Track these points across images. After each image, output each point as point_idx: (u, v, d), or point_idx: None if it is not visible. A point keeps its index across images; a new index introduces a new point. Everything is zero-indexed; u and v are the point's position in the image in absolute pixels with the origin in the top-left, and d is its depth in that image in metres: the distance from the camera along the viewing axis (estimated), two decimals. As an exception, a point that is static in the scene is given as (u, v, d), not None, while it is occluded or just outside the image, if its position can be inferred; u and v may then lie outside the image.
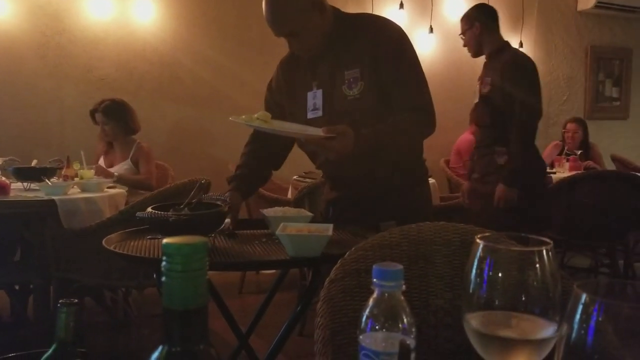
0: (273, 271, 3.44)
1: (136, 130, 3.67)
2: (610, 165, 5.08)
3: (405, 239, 1.18)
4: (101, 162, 3.61)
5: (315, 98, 1.86)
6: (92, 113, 3.63)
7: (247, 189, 2.01)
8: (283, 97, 1.99)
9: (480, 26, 3.13)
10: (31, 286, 2.98)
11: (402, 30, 1.86)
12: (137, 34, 4.41)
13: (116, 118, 3.57)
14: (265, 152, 2.03)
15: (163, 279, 0.48)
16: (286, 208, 1.94)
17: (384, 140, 1.72)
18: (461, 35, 3.24)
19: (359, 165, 1.78)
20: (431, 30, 5.42)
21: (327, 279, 1.10)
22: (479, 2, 3.50)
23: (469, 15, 3.20)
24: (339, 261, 1.14)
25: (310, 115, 1.87)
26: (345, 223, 1.85)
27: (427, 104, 1.81)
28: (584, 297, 0.50)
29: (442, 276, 1.16)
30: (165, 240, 0.48)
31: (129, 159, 3.63)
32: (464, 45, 3.25)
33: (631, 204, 3.75)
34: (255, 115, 1.71)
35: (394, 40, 1.81)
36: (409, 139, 1.83)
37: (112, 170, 3.49)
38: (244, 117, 1.73)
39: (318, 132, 1.65)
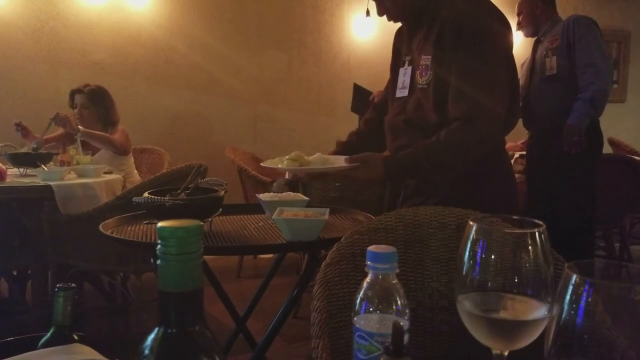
0: (271, 255, 3.45)
1: (114, 123, 3.54)
2: (607, 149, 5.08)
3: (401, 222, 1.19)
4: (79, 148, 3.45)
5: (405, 75, 1.68)
6: (73, 94, 3.50)
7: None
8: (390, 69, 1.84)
9: (541, 4, 3.18)
10: (29, 271, 2.99)
11: (487, 21, 1.54)
12: (131, 19, 4.37)
13: (98, 104, 3.47)
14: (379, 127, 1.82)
15: (158, 262, 0.49)
16: (283, 193, 1.94)
17: (421, 163, 1.52)
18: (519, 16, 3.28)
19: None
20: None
21: (324, 263, 1.11)
22: None
23: None
24: (335, 245, 1.15)
25: (398, 93, 1.71)
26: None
27: (476, 114, 1.49)
28: (574, 277, 0.51)
29: (438, 259, 1.17)
30: (160, 224, 0.49)
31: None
32: (519, 23, 3.28)
33: (627, 187, 3.76)
34: (286, 157, 1.63)
35: (464, 28, 1.50)
36: (453, 157, 1.53)
37: (93, 157, 3.38)
38: (276, 159, 1.66)
39: (342, 162, 1.57)
